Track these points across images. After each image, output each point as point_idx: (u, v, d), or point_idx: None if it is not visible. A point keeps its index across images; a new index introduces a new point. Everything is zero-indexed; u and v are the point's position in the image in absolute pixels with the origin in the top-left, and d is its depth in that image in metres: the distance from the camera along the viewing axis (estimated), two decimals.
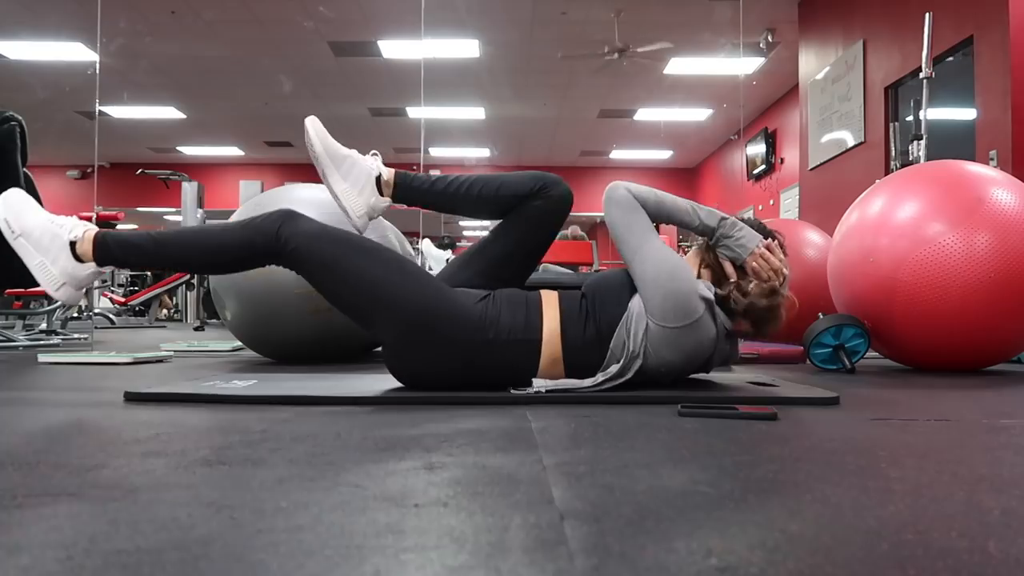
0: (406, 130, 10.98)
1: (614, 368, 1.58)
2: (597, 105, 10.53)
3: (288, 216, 1.63)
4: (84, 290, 1.68)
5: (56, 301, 4.12)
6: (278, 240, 1.60)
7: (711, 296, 1.62)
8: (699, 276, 1.73)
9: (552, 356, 1.61)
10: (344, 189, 1.71)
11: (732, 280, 1.69)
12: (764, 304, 1.65)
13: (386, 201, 1.74)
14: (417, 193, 1.75)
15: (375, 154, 1.78)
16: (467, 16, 7.47)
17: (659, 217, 1.70)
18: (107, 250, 1.64)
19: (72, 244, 1.62)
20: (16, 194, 1.66)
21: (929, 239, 2.23)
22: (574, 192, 1.78)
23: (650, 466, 0.95)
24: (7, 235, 1.63)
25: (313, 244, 1.60)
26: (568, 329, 1.61)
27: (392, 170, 1.77)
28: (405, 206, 1.79)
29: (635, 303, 1.61)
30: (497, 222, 1.80)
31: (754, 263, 1.69)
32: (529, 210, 1.73)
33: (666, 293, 1.57)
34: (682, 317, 1.56)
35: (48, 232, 1.63)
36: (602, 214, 1.84)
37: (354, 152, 1.76)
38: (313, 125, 1.72)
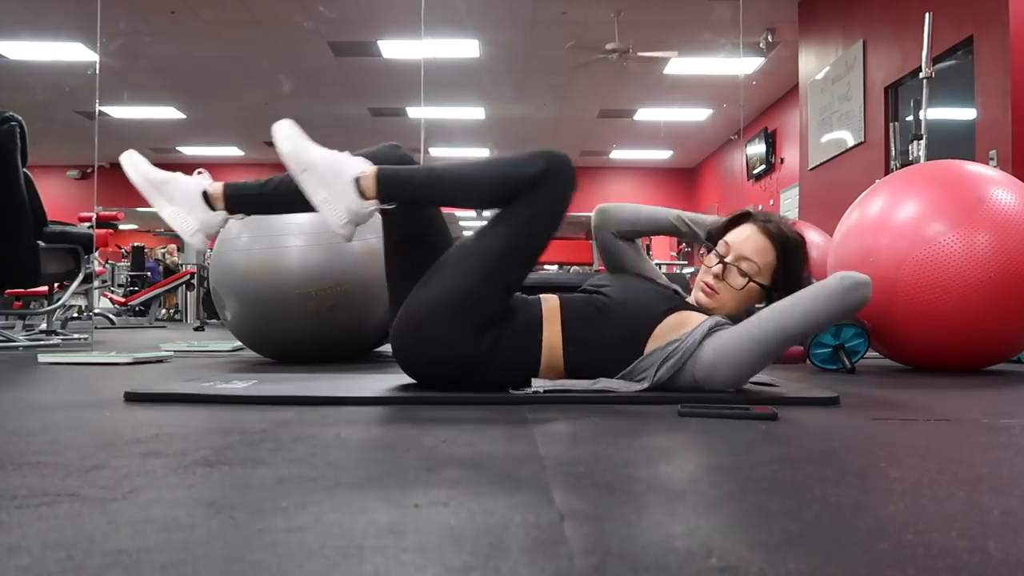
0: (406, 130, 10.98)
1: (625, 385, 1.57)
2: (597, 105, 10.52)
3: (556, 157, 1.58)
4: (359, 226, 1.60)
5: (56, 301, 4.12)
6: (548, 176, 1.56)
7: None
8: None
9: (553, 356, 1.62)
10: (172, 212, 1.65)
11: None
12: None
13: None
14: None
15: (200, 172, 1.70)
16: (467, 16, 7.47)
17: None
18: (392, 186, 1.56)
19: (356, 180, 1.54)
20: (292, 127, 1.59)
21: (929, 239, 2.23)
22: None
23: (650, 466, 0.95)
24: (293, 169, 1.55)
25: (554, 205, 1.60)
26: (569, 332, 1.61)
27: (220, 183, 1.67)
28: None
29: (682, 349, 1.56)
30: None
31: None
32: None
33: (729, 380, 1.56)
34: (715, 388, 1.57)
35: (332, 168, 1.55)
36: None
37: (176, 174, 1.69)
38: (130, 159, 1.67)
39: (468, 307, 1.58)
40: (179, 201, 1.67)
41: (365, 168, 1.56)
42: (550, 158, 1.57)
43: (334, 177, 1.55)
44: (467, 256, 1.62)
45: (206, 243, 1.68)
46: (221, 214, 1.66)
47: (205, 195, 1.65)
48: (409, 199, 1.61)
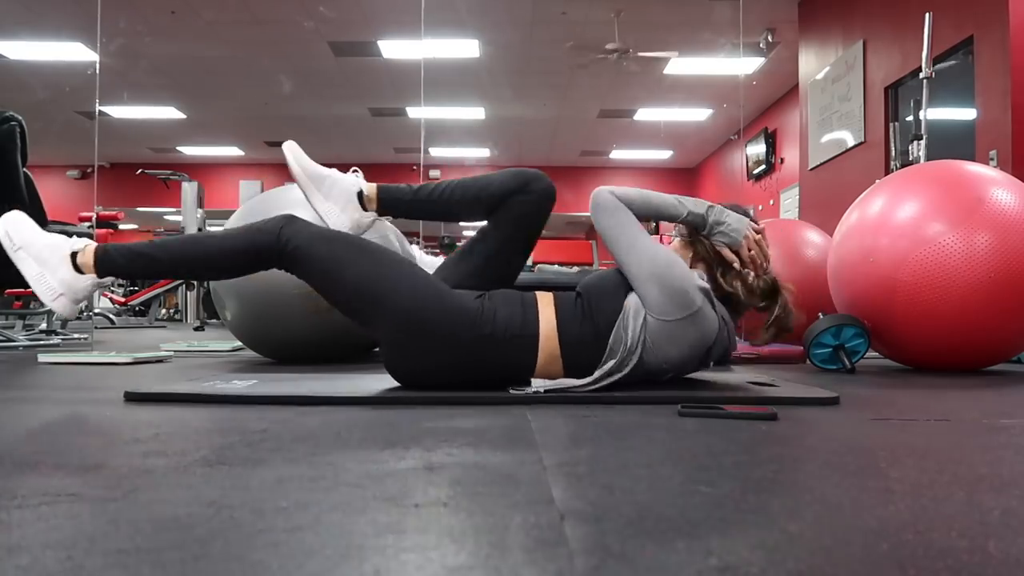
0: (406, 130, 10.98)
1: (610, 363, 1.57)
2: (597, 105, 10.52)
3: (289, 219, 1.65)
4: (80, 304, 1.67)
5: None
6: (279, 240, 1.61)
7: (707, 286, 1.63)
8: (692, 268, 1.73)
9: (550, 353, 1.61)
10: (327, 208, 1.75)
11: (735, 266, 1.71)
12: (768, 302, 1.72)
13: (371, 216, 1.76)
14: (401, 204, 1.78)
15: (355, 171, 1.81)
16: (467, 16, 7.47)
17: (647, 214, 1.71)
18: (109, 259, 1.64)
19: (73, 255, 1.63)
20: (16, 213, 1.69)
21: (929, 239, 2.23)
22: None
23: (650, 466, 0.95)
24: (7, 247, 1.64)
25: (314, 244, 1.62)
26: (565, 328, 1.61)
27: (374, 185, 1.78)
28: (391, 218, 1.81)
29: (631, 300, 1.61)
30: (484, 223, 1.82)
31: (749, 251, 1.71)
32: (513, 207, 1.74)
33: (662, 286, 1.57)
34: (682, 309, 1.57)
35: (48, 245, 1.64)
36: None
37: (334, 171, 1.79)
38: (291, 149, 1.76)
39: (413, 326, 1.59)
40: (335, 198, 1.75)
41: (87, 244, 1.66)
42: (269, 224, 1.66)
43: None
44: (358, 307, 1.67)
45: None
46: (371, 215, 1.77)
47: (360, 195, 1.76)
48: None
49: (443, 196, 1.78)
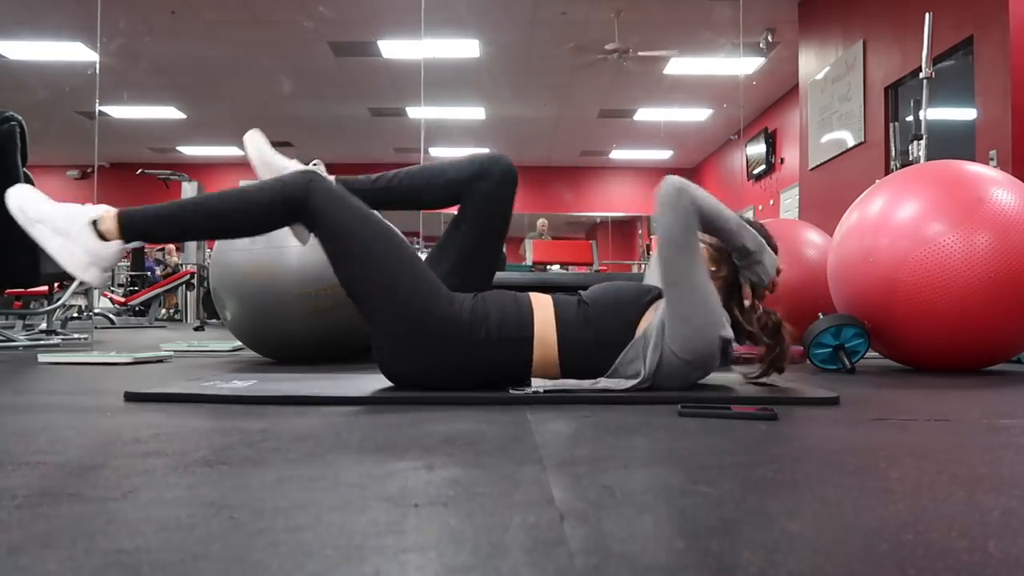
0: (406, 130, 10.98)
1: (623, 383, 1.58)
2: (597, 105, 10.52)
3: (317, 175, 1.62)
4: (109, 272, 1.61)
5: (56, 301, 4.12)
6: (306, 191, 1.57)
7: (731, 336, 1.61)
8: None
9: (546, 355, 1.61)
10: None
11: (748, 303, 1.71)
12: (770, 341, 1.72)
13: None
14: (360, 195, 1.68)
15: (316, 163, 1.76)
16: (467, 16, 7.47)
17: (707, 230, 1.61)
18: (133, 224, 1.57)
19: (93, 223, 1.55)
20: (24, 186, 1.59)
21: (929, 239, 2.23)
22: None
23: (650, 466, 0.95)
24: (23, 222, 1.54)
25: (338, 204, 1.59)
26: (565, 331, 1.61)
27: (332, 177, 1.71)
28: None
29: (653, 330, 1.58)
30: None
31: (769, 291, 1.70)
32: (475, 193, 1.71)
33: (696, 334, 1.56)
34: (699, 356, 1.57)
35: (66, 215, 1.55)
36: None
37: (293, 161, 1.75)
38: (252, 139, 1.74)
39: (410, 322, 1.58)
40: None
41: (106, 210, 1.58)
42: (293, 178, 1.61)
43: (69, 223, 1.55)
44: (359, 290, 1.63)
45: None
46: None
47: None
48: (158, 235, 1.64)
49: (402, 184, 1.73)
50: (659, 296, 1.66)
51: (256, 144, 1.75)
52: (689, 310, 1.56)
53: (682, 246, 1.56)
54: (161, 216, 1.60)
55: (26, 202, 1.56)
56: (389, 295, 1.58)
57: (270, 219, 1.63)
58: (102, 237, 1.56)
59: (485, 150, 1.75)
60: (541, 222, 10.61)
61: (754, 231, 1.67)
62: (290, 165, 1.75)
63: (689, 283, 1.56)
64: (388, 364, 1.66)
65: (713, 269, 1.70)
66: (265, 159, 1.75)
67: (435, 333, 1.58)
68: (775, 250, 1.73)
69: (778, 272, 1.71)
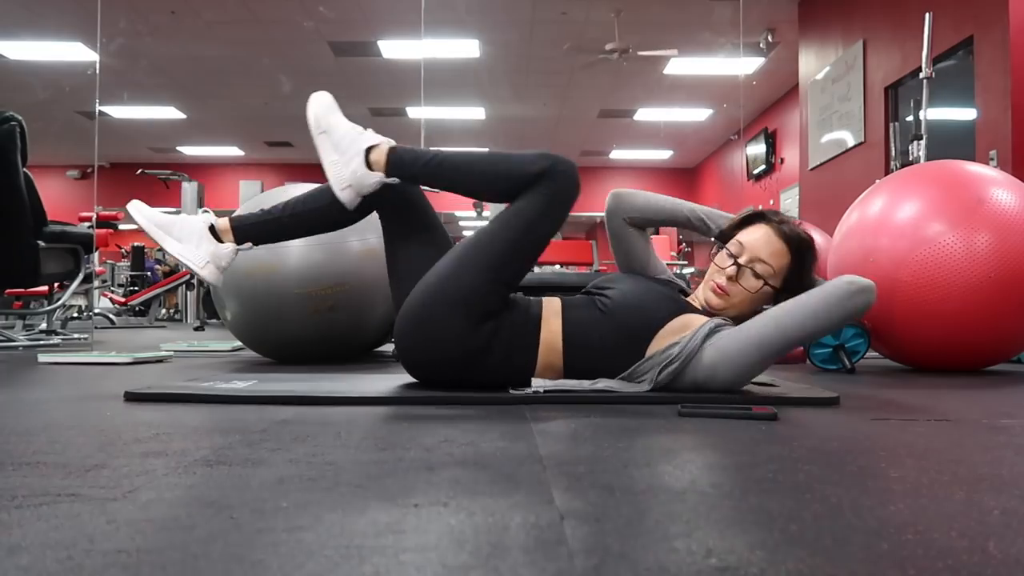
0: (406, 130, 10.98)
1: (625, 386, 1.57)
2: (597, 105, 10.52)
3: (573, 169, 1.64)
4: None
5: (56, 301, 4.12)
6: (555, 177, 1.61)
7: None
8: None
9: (551, 361, 1.62)
10: (180, 249, 1.73)
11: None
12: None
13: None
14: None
15: (205, 211, 1.81)
16: (467, 16, 7.47)
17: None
18: (399, 162, 1.67)
19: (368, 151, 1.67)
20: (326, 96, 1.73)
21: (929, 239, 2.23)
22: None
23: (650, 466, 0.95)
24: (312, 130, 1.69)
25: (556, 203, 1.64)
26: (574, 338, 1.61)
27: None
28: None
29: (683, 354, 1.55)
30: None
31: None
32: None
33: (732, 382, 1.56)
34: (717, 389, 1.57)
35: (349, 135, 1.68)
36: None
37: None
38: (136, 209, 1.75)
39: (465, 300, 1.59)
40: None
41: (381, 141, 1.69)
42: (556, 160, 1.63)
43: (349, 144, 1.68)
44: (467, 251, 1.64)
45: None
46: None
47: (212, 229, 1.75)
48: (415, 178, 1.71)
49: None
50: (679, 312, 1.61)
51: (141, 212, 1.75)
52: (747, 371, 1.56)
53: (798, 342, 1.55)
54: (421, 160, 1.68)
55: (322, 109, 1.71)
56: (484, 272, 1.60)
57: (518, 189, 1.64)
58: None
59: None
60: None
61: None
62: (177, 219, 1.77)
63: (766, 353, 1.54)
64: (405, 350, 1.67)
65: (767, 290, 1.66)
66: (154, 220, 1.75)
67: (473, 323, 1.59)
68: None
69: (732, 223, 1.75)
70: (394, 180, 1.68)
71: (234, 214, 1.74)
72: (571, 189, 1.63)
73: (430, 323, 1.60)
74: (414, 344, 1.65)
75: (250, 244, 1.78)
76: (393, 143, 1.70)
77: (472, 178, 1.69)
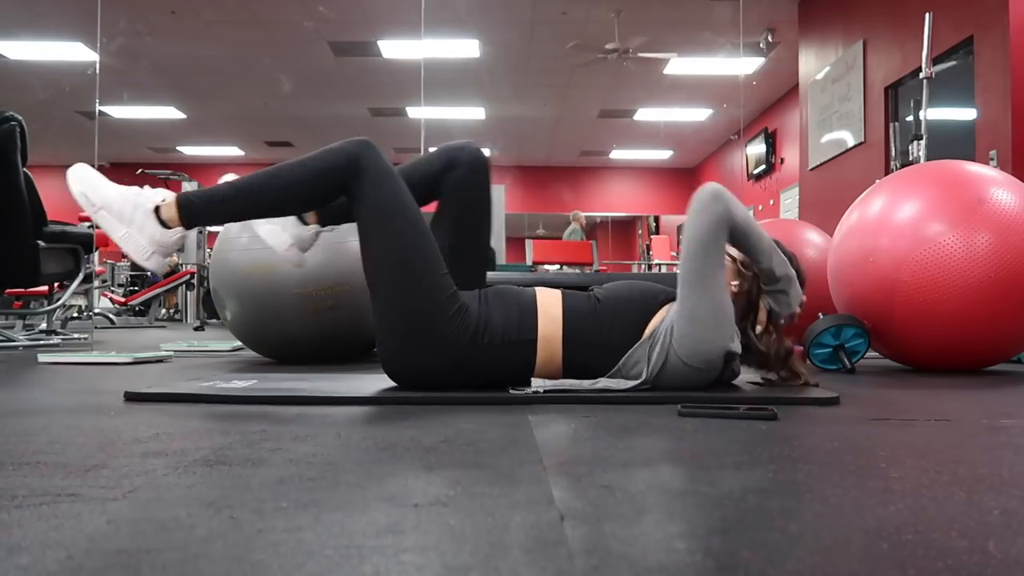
0: (406, 130, 10.97)
1: (623, 383, 1.58)
2: (597, 105, 10.52)
3: (370, 144, 1.60)
4: (170, 257, 1.65)
5: (56, 301, 4.12)
6: (358, 160, 1.57)
7: (737, 351, 1.60)
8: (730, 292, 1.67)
9: (550, 355, 1.61)
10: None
11: (761, 327, 1.69)
12: (780, 369, 1.72)
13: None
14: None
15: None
16: (467, 16, 7.47)
17: (736, 243, 1.60)
18: (192, 210, 1.56)
19: (156, 210, 1.56)
20: (85, 168, 1.59)
21: (929, 239, 2.22)
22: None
23: (650, 466, 0.95)
24: (88, 209, 1.56)
25: (384, 179, 1.58)
26: (572, 330, 1.61)
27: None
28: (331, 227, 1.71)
29: (660, 332, 1.58)
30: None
31: (785, 323, 1.69)
32: (449, 185, 1.67)
33: (704, 338, 1.55)
34: (703, 363, 1.57)
35: (129, 202, 1.56)
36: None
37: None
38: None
39: (417, 312, 1.57)
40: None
41: (164, 196, 1.57)
42: (349, 145, 1.58)
43: (132, 210, 1.55)
44: (378, 273, 1.61)
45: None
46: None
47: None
48: (217, 217, 1.61)
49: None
50: (672, 298, 1.64)
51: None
52: (700, 313, 1.55)
53: (706, 247, 1.55)
54: (220, 199, 1.58)
55: (89, 188, 1.56)
56: (402, 290, 1.57)
57: (326, 193, 1.60)
58: (164, 225, 1.57)
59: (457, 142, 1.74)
60: (575, 214, 10.65)
61: (785, 258, 1.65)
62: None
63: (704, 285, 1.55)
64: (390, 362, 1.66)
65: (735, 283, 1.67)
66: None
67: (438, 336, 1.57)
68: (803, 283, 1.71)
69: (801, 306, 1.69)
70: (195, 229, 1.60)
71: (181, 193, 1.58)
72: (375, 156, 1.57)
73: (404, 348, 1.60)
74: (405, 371, 1.64)
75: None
76: (175, 194, 1.57)
77: (272, 196, 1.58)
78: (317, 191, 1.60)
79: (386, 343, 1.64)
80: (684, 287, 1.57)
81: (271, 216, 1.69)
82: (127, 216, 1.55)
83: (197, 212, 1.57)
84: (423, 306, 1.57)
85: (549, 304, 1.63)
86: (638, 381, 1.57)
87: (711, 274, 1.55)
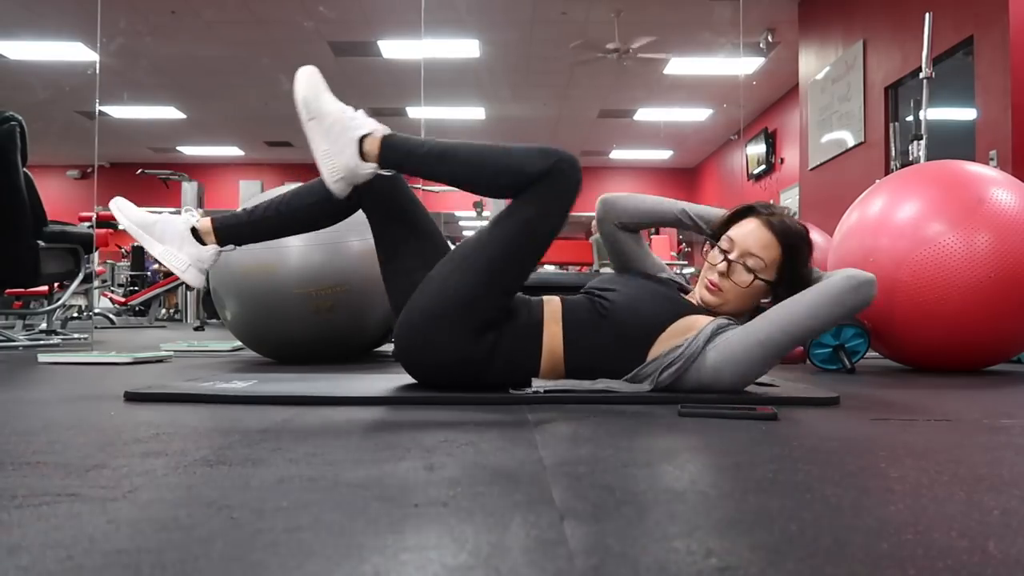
0: (406, 130, 10.72)
1: (625, 386, 1.57)
2: (597, 105, 10.52)
3: (577, 166, 1.58)
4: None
5: (56, 301, 4.12)
6: (561, 172, 1.55)
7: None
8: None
9: (551, 365, 1.62)
10: (162, 251, 1.70)
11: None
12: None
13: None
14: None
15: (188, 210, 1.77)
16: (467, 16, 7.47)
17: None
18: (393, 151, 1.58)
19: (361, 140, 1.57)
20: (313, 72, 1.61)
21: (929, 239, 2.23)
22: None
23: (650, 466, 0.95)
24: (301, 115, 1.59)
25: (567, 205, 1.60)
26: (573, 340, 1.60)
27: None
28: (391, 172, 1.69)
29: (684, 359, 1.54)
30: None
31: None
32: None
33: (762, 372, 1.56)
34: (742, 385, 1.58)
35: (340, 122, 1.57)
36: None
37: (164, 215, 1.74)
38: (117, 206, 1.72)
39: (468, 309, 1.57)
40: (169, 240, 1.72)
41: (374, 129, 1.58)
42: (560, 157, 1.55)
43: (340, 131, 1.57)
44: (466, 258, 1.61)
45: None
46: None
47: (194, 231, 1.72)
48: (410, 169, 1.62)
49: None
50: (680, 313, 1.60)
51: (122, 210, 1.73)
52: (773, 359, 1.55)
53: (816, 331, 1.56)
54: (422, 152, 1.59)
55: (312, 93, 1.59)
56: (481, 289, 1.57)
57: (519, 186, 1.58)
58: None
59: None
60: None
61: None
62: (160, 218, 1.74)
63: (793, 344, 1.54)
64: (405, 351, 1.65)
65: (766, 301, 1.66)
66: (134, 219, 1.73)
67: (452, 338, 1.58)
68: (810, 252, 1.70)
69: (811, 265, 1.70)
70: (389, 172, 1.61)
71: (392, 133, 1.60)
72: (572, 189, 1.57)
73: (431, 336, 1.59)
74: (417, 359, 1.65)
75: (233, 245, 1.75)
76: (387, 131, 1.60)
77: (468, 172, 1.60)
78: (512, 183, 1.58)
79: (418, 331, 1.61)
80: (777, 333, 1.52)
81: (455, 186, 1.67)
82: (334, 134, 1.57)
83: (397, 156, 1.59)
84: (484, 304, 1.58)
85: (552, 312, 1.63)
86: (642, 390, 1.56)
87: (801, 338, 1.55)
